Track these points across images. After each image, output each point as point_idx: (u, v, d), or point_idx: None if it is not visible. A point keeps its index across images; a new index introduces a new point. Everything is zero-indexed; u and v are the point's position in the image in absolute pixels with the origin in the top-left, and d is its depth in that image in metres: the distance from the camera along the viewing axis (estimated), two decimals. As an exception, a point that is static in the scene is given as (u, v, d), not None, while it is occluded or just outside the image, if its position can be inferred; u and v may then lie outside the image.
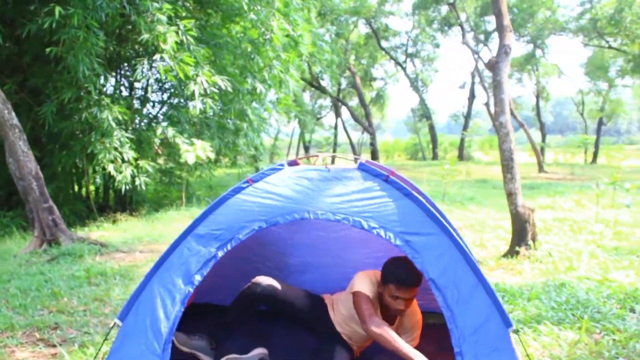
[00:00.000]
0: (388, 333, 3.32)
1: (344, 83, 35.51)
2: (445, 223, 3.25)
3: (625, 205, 8.11)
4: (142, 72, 10.54)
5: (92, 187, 13.18)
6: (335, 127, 41.88)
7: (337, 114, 40.60)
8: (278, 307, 3.92)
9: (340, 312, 3.89)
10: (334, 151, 43.39)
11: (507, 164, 7.15)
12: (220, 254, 3.32)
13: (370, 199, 3.34)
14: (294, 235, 4.53)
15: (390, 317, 3.68)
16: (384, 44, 35.35)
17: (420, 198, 3.37)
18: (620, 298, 5.16)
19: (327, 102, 42.68)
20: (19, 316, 4.94)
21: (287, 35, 12.28)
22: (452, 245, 3.18)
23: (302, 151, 43.78)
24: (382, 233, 3.24)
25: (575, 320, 4.60)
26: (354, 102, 40.46)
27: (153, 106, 13.09)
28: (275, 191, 3.43)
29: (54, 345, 4.28)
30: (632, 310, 4.88)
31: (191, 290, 3.27)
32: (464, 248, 3.18)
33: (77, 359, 3.91)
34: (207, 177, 14.52)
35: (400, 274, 3.46)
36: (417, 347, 3.94)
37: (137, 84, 12.68)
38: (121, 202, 13.00)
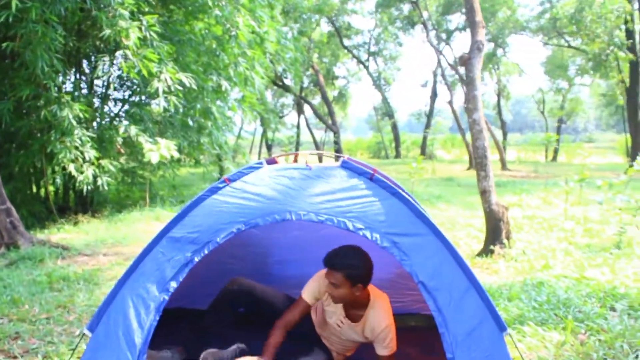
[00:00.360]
0: (273, 332, 3.42)
1: (306, 81, 35.36)
2: (434, 223, 3.11)
3: (598, 202, 8.11)
4: (104, 68, 10.16)
5: (51, 188, 12.71)
6: (298, 126, 41.74)
7: (300, 113, 40.44)
8: (256, 307, 3.75)
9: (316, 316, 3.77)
10: (297, 150, 43.30)
11: (480, 162, 7.07)
12: (196, 258, 3.12)
13: (355, 198, 3.18)
14: (272, 236, 4.36)
15: (353, 314, 3.56)
16: (346, 42, 35.29)
17: (407, 197, 3.22)
18: (599, 297, 5.10)
19: (289, 100, 42.50)
20: (-22, 325, 4.65)
21: (253, 32, 12.04)
22: (442, 246, 3.04)
23: (264, 150, 43.54)
24: (367, 234, 3.10)
25: (558, 320, 4.52)
26: (315, 100, 40.36)
27: (115, 104, 12.72)
28: (254, 191, 3.24)
29: (15, 357, 4.01)
30: (613, 309, 4.82)
31: (166, 297, 3.07)
32: (454, 249, 3.04)
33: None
34: (171, 177, 14.19)
35: (327, 255, 3.40)
36: (399, 349, 3.82)
37: (97, 81, 12.28)
38: (82, 203, 12.58)
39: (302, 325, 3.71)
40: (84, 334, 3.06)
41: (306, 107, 38.37)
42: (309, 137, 41.28)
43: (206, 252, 3.13)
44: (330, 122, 31.12)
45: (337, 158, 3.52)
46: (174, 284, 3.08)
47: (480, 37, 7.32)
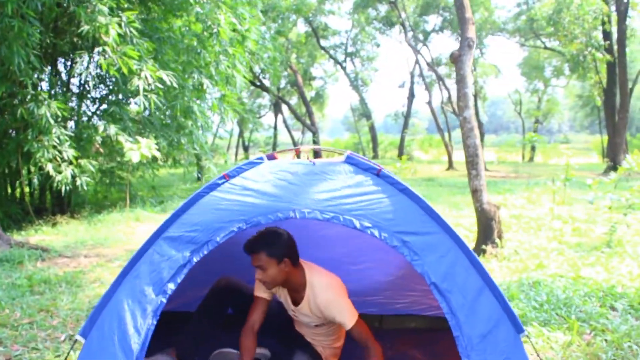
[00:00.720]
0: (243, 339, 3.36)
1: (283, 82, 35.18)
2: (445, 221, 2.97)
3: (588, 201, 8.06)
4: (82, 66, 9.89)
5: (27, 189, 12.41)
6: (275, 127, 41.58)
7: (277, 113, 40.25)
8: (246, 307, 3.59)
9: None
10: (274, 151, 43.08)
11: (471, 160, 6.96)
12: (195, 259, 2.95)
13: (362, 195, 3.04)
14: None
15: (297, 298, 3.46)
16: (323, 43, 35.18)
17: (417, 194, 3.08)
18: (599, 296, 5.03)
19: (265, 101, 42.32)
20: (-45, 332, 4.41)
21: (234, 30, 11.83)
22: (455, 245, 2.91)
23: (241, 151, 43.28)
24: (376, 233, 2.95)
25: (561, 320, 4.43)
26: (292, 101, 40.20)
27: (93, 102, 12.42)
28: (255, 187, 3.08)
29: (-2, 365, 3.80)
30: (613, 308, 4.75)
31: (164, 300, 2.90)
32: (467, 247, 2.90)
33: (26, 380, 3.45)
34: (150, 178, 13.93)
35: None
36: (401, 356, 3.68)
37: (74, 80, 12.01)
38: (59, 204, 12.26)
39: (286, 329, 3.67)
40: (75, 340, 2.88)
41: (283, 108, 38.21)
42: (287, 138, 41.12)
43: (205, 252, 2.96)
44: (309, 122, 30.97)
45: (339, 153, 3.36)
46: (171, 286, 2.91)
47: (470, 34, 7.23)
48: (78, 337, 2.85)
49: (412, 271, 4.20)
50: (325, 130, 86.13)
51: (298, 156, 3.50)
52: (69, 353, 3.05)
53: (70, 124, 11.54)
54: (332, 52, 37.30)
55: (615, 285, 5.35)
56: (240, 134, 40.32)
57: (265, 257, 3.20)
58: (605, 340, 3.96)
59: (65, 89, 11.99)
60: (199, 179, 21.28)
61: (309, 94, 42.12)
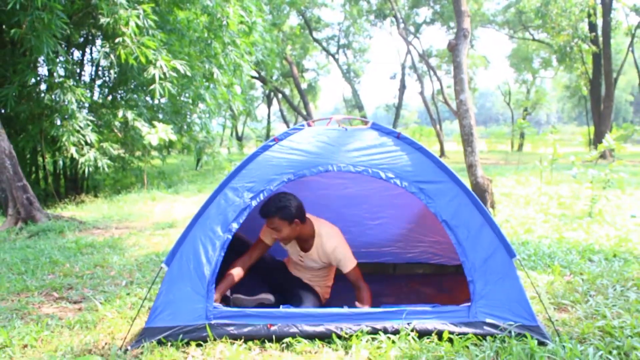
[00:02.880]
0: (233, 269, 3.97)
1: (276, 73, 35.79)
2: (453, 172, 3.74)
3: (572, 176, 8.85)
4: (104, 55, 10.57)
5: (41, 174, 13.10)
6: (269, 118, 42.18)
7: (270, 105, 40.92)
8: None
9: None
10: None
11: (467, 138, 7.74)
12: (254, 203, 3.69)
13: (386, 153, 3.79)
14: (300, 194, 4.88)
15: (306, 246, 4.19)
16: (315, 35, 35.82)
17: (430, 151, 3.84)
18: (579, 250, 5.83)
19: (258, 93, 42.85)
20: (30, 279, 5.14)
21: (242, 22, 12.55)
22: (461, 191, 3.67)
23: (234, 142, 43.77)
24: (398, 182, 3.70)
25: (545, 267, 5.22)
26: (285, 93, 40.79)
27: (111, 89, 13.11)
28: (300, 147, 3.82)
29: (77, 302, 4.53)
30: (590, 260, 5.54)
31: (229, 237, 3.65)
32: (471, 193, 3.67)
33: (109, 309, 4.18)
34: (161, 164, 14.65)
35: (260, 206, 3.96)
36: (415, 291, 4.47)
37: (92, 67, 12.67)
38: (74, 188, 12.98)
39: (283, 280, 4.35)
40: (160, 268, 3.61)
41: (275, 100, 38.80)
42: (278, 131, 41.67)
43: (262, 197, 3.71)
44: (305, 113, 31.63)
45: (365, 122, 4.10)
46: (235, 225, 3.66)
47: (465, 25, 7.99)
48: (163, 265, 3.59)
49: (420, 225, 5.04)
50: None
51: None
52: (155, 278, 3.79)
53: (86, 110, 12.22)
54: (324, 44, 37.94)
55: (593, 244, 6.15)
56: (233, 126, 40.91)
57: (278, 220, 3.93)
58: (582, 279, 4.75)
59: (89, 77, 12.68)
60: (197, 167, 22.01)
61: (302, 85, 42.76)
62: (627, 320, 3.59)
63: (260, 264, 4.26)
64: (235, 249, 4.14)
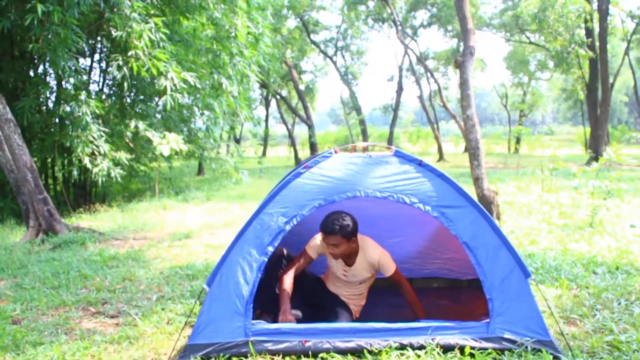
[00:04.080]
0: (284, 281, 4.36)
1: (275, 76, 36.01)
2: (472, 198, 4.05)
3: (573, 187, 9.17)
4: (117, 67, 10.81)
5: (50, 182, 13.35)
6: (267, 121, 42.41)
7: (267, 107, 41.16)
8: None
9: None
10: (266, 144, 44.25)
11: (473, 153, 8.05)
12: (288, 227, 3.99)
13: (409, 179, 4.09)
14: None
15: (350, 261, 4.52)
16: (313, 37, 36.07)
17: (450, 178, 4.15)
18: (583, 263, 6.15)
19: (256, 94, 43.00)
20: (65, 294, 5.42)
21: (249, 33, 12.82)
22: (479, 215, 3.98)
23: (234, 146, 43.95)
24: (421, 207, 4.00)
25: (553, 280, 5.53)
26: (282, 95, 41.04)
27: (123, 100, 13.38)
28: (329, 174, 4.13)
29: (113, 316, 4.82)
30: (595, 272, 5.85)
31: (265, 259, 3.95)
32: (489, 216, 3.98)
33: (147, 324, 4.47)
34: (167, 170, 14.91)
35: (322, 223, 4.30)
36: (433, 303, 4.79)
37: (102, 78, 12.92)
38: (83, 196, 13.23)
39: (320, 296, 4.66)
40: (202, 289, 3.90)
41: (272, 102, 39.03)
42: (276, 133, 41.95)
43: (295, 222, 4.01)
44: (304, 116, 31.91)
45: (387, 148, 4.39)
46: (270, 248, 3.96)
47: (472, 42, 8.30)
48: (205, 286, 3.89)
49: (436, 243, 5.34)
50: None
51: (354, 151, 4.53)
52: (198, 298, 4.08)
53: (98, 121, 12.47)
54: (322, 46, 38.19)
55: (596, 256, 6.47)
56: (231, 129, 41.08)
57: (340, 237, 4.25)
58: (588, 293, 5.07)
59: (101, 89, 12.92)
60: (199, 173, 22.25)
61: (299, 87, 43.00)
62: (633, 335, 3.90)
63: (302, 278, 4.57)
64: (282, 265, 4.50)
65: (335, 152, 4.37)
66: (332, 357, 3.67)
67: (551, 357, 3.53)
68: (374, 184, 4.06)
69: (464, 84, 8.19)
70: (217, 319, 3.83)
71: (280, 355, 3.72)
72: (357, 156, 4.25)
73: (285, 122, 39.30)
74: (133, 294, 5.45)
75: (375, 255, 4.44)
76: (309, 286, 4.65)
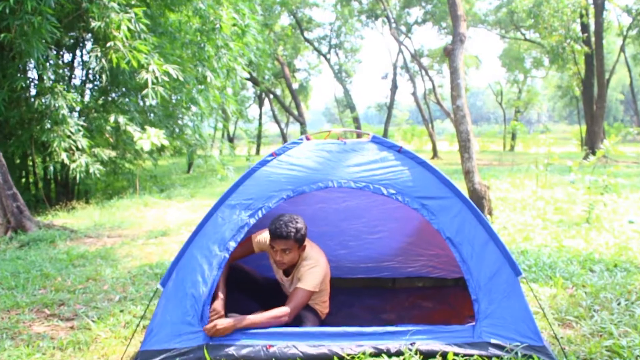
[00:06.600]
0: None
1: (267, 74, 35.65)
2: (457, 188, 3.65)
3: (569, 182, 8.80)
4: (95, 59, 10.39)
5: (31, 179, 12.94)
6: (260, 119, 42.01)
7: (261, 106, 40.75)
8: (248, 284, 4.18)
9: None
10: (259, 142, 43.81)
11: (464, 145, 7.66)
12: (252, 221, 3.59)
13: (387, 168, 3.69)
14: (297, 208, 4.78)
15: (289, 270, 3.96)
16: (307, 35, 35.70)
17: (433, 166, 3.75)
18: (579, 260, 5.76)
19: (249, 93, 42.66)
20: (20, 295, 5.01)
21: (235, 25, 12.43)
22: (465, 207, 3.59)
23: (226, 144, 43.61)
24: (400, 198, 3.60)
25: (547, 279, 5.14)
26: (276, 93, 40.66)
27: (103, 93, 12.95)
28: (299, 163, 3.73)
29: (69, 319, 4.41)
30: (592, 270, 5.47)
31: (227, 255, 3.54)
32: (475, 209, 3.58)
33: (102, 328, 4.07)
34: (152, 168, 14.51)
35: (271, 226, 3.73)
36: (416, 305, 4.39)
37: (83, 71, 12.51)
38: (65, 193, 12.81)
39: (280, 300, 3.91)
40: (156, 289, 3.50)
41: (266, 101, 38.65)
42: (269, 131, 41.59)
43: (260, 215, 3.60)
44: (297, 114, 31.54)
45: (359, 135, 3.99)
46: (232, 244, 3.55)
47: (462, 29, 7.91)
48: (159, 286, 3.49)
49: (420, 239, 4.95)
50: (307, 122, 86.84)
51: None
52: (151, 299, 3.68)
53: (76, 115, 12.06)
54: (316, 44, 37.83)
55: (593, 253, 6.08)
56: (224, 127, 40.71)
57: (293, 242, 3.71)
58: (585, 292, 4.68)
59: (68, 80, 12.50)
60: (188, 170, 21.86)
61: (293, 86, 42.64)
62: (635, 339, 3.52)
63: (253, 286, 4.14)
64: (241, 282, 4.03)
65: (307, 138, 3.99)
66: (299, 365, 3.28)
67: (543, 364, 3.14)
68: (348, 173, 3.67)
69: (454, 73, 7.80)
70: (172, 322, 3.42)
71: (241, 363, 3.32)
72: (330, 142, 3.86)
73: (277, 121, 38.98)
74: (94, 294, 5.05)
75: (306, 269, 3.81)
76: (265, 293, 4.16)
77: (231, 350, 3.35)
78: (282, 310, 3.57)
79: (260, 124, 41.24)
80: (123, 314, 4.42)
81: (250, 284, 4.18)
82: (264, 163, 3.76)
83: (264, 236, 3.98)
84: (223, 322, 3.38)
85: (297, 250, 3.78)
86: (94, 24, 9.54)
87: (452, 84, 7.82)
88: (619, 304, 4.32)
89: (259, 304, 4.11)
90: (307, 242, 3.94)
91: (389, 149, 3.79)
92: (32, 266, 6.02)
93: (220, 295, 3.69)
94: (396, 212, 4.80)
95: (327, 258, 3.98)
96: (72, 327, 4.22)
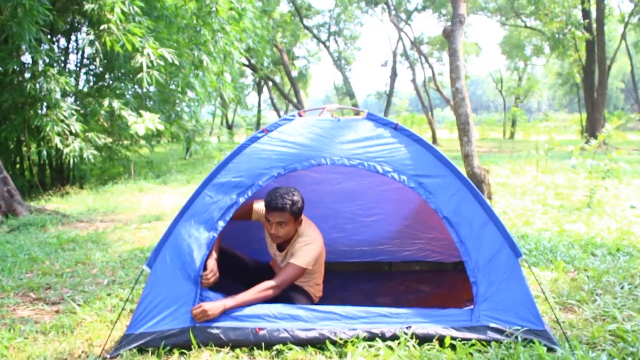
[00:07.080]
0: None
1: (266, 61, 35.40)
2: (454, 166, 3.49)
3: (570, 166, 8.64)
4: (89, 43, 10.20)
5: (26, 164, 12.80)
6: (259, 106, 41.79)
7: (260, 93, 40.51)
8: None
9: None
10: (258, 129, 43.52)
11: (463, 128, 7.51)
12: (241, 200, 3.44)
13: (383, 145, 3.54)
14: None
15: (280, 245, 3.86)
16: (306, 22, 35.42)
17: (429, 143, 3.60)
18: (581, 244, 5.62)
19: (248, 80, 42.42)
20: (6, 279, 4.88)
21: (231, 8, 12.23)
22: (463, 186, 3.43)
23: (224, 130, 43.46)
24: (396, 176, 3.45)
25: (548, 263, 5.00)
26: (275, 81, 40.43)
27: (98, 77, 12.78)
28: (291, 139, 3.57)
29: (54, 303, 4.28)
30: (593, 254, 5.33)
31: (215, 235, 3.40)
32: (473, 188, 3.43)
33: (88, 312, 3.93)
34: (148, 154, 14.35)
35: (267, 197, 3.63)
36: (414, 289, 4.25)
37: (73, 56, 12.34)
38: (60, 179, 12.67)
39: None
40: (142, 270, 3.36)
41: (265, 88, 38.43)
42: (268, 119, 41.35)
43: (250, 194, 3.45)
44: (296, 101, 31.33)
45: (357, 112, 3.83)
46: (221, 223, 3.41)
47: (461, 10, 7.74)
48: (144, 267, 3.34)
49: (417, 222, 4.80)
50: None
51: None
52: (136, 281, 3.54)
53: (71, 99, 11.89)
54: (315, 31, 37.55)
55: (595, 237, 5.95)
56: (223, 114, 40.56)
57: (289, 215, 3.61)
58: (587, 276, 4.54)
59: (63, 65, 12.32)
60: (185, 157, 21.70)
61: (292, 73, 42.39)
62: (640, 323, 3.38)
63: (244, 271, 3.99)
64: (231, 267, 3.89)
65: (300, 115, 3.83)
66: (290, 349, 3.14)
67: (545, 349, 3.00)
68: (342, 150, 3.51)
69: (453, 55, 7.63)
70: (159, 304, 3.28)
71: (229, 347, 3.18)
72: (324, 119, 3.70)
73: (276, 109, 38.72)
74: (82, 278, 4.91)
75: (301, 245, 3.70)
76: (255, 276, 3.99)
77: (218, 332, 3.21)
78: (267, 284, 3.46)
79: (259, 112, 41.03)
80: (110, 297, 4.28)
81: (242, 269, 4.04)
82: (254, 139, 3.61)
83: (262, 206, 3.82)
84: (211, 306, 3.25)
85: (292, 223, 3.67)
86: (87, 6, 9.36)
87: (451, 65, 7.66)
88: (622, 288, 4.18)
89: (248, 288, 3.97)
90: (305, 219, 3.83)
91: (384, 126, 3.64)
92: (20, 250, 5.88)
93: (214, 254, 3.56)
94: (393, 194, 4.65)
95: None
96: (57, 311, 4.08)
